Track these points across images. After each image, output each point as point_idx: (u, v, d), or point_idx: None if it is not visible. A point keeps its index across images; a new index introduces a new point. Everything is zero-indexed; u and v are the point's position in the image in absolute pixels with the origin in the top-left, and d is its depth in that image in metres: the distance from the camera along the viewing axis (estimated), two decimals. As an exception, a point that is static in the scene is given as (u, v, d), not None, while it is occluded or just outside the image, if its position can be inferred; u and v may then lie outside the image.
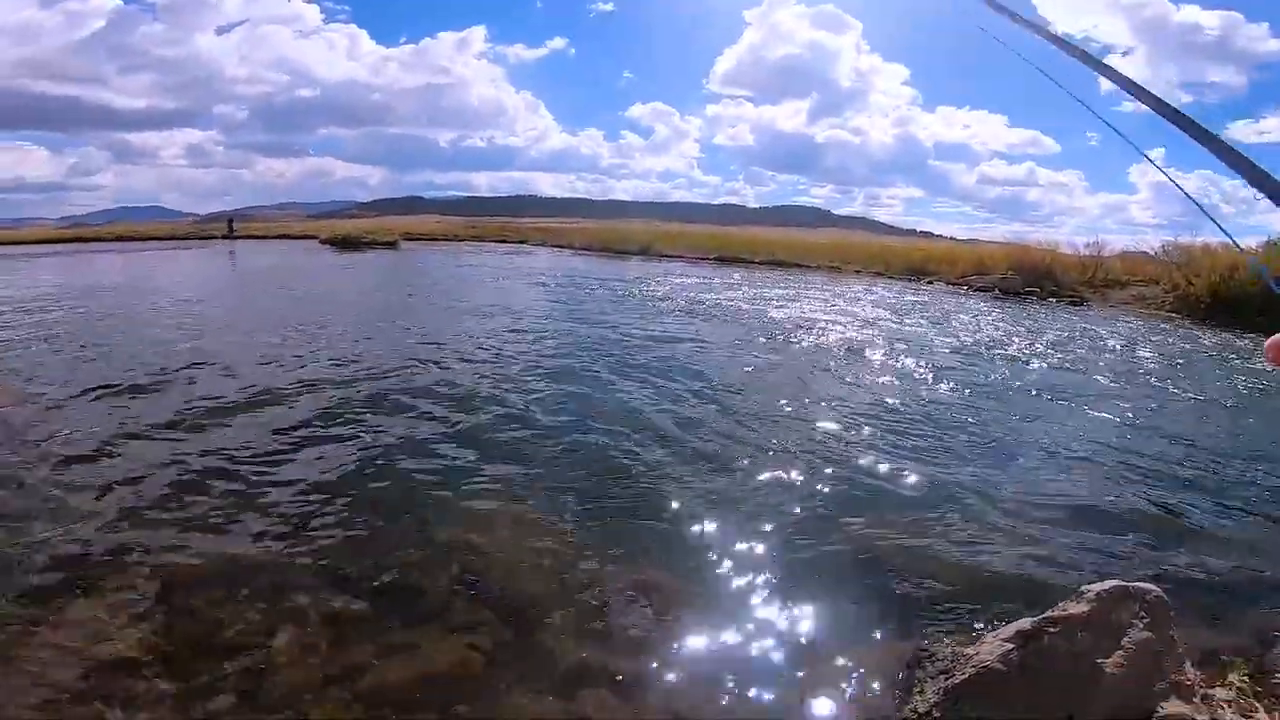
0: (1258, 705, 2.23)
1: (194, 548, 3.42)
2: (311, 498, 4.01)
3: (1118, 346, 10.76)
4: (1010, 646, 2.10)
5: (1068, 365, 8.88)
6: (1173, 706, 2.01)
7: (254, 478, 4.27)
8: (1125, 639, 2.09)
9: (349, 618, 2.88)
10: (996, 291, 17.97)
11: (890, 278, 21.81)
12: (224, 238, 30.58)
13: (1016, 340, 10.67)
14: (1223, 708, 2.18)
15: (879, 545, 3.66)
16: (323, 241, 27.33)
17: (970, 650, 2.23)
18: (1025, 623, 2.16)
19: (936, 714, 2.13)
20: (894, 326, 11.54)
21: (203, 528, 3.63)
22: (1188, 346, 11.14)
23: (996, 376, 7.90)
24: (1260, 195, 0.68)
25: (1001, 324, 12.52)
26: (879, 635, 2.86)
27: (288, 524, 3.69)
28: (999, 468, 4.95)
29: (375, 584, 3.15)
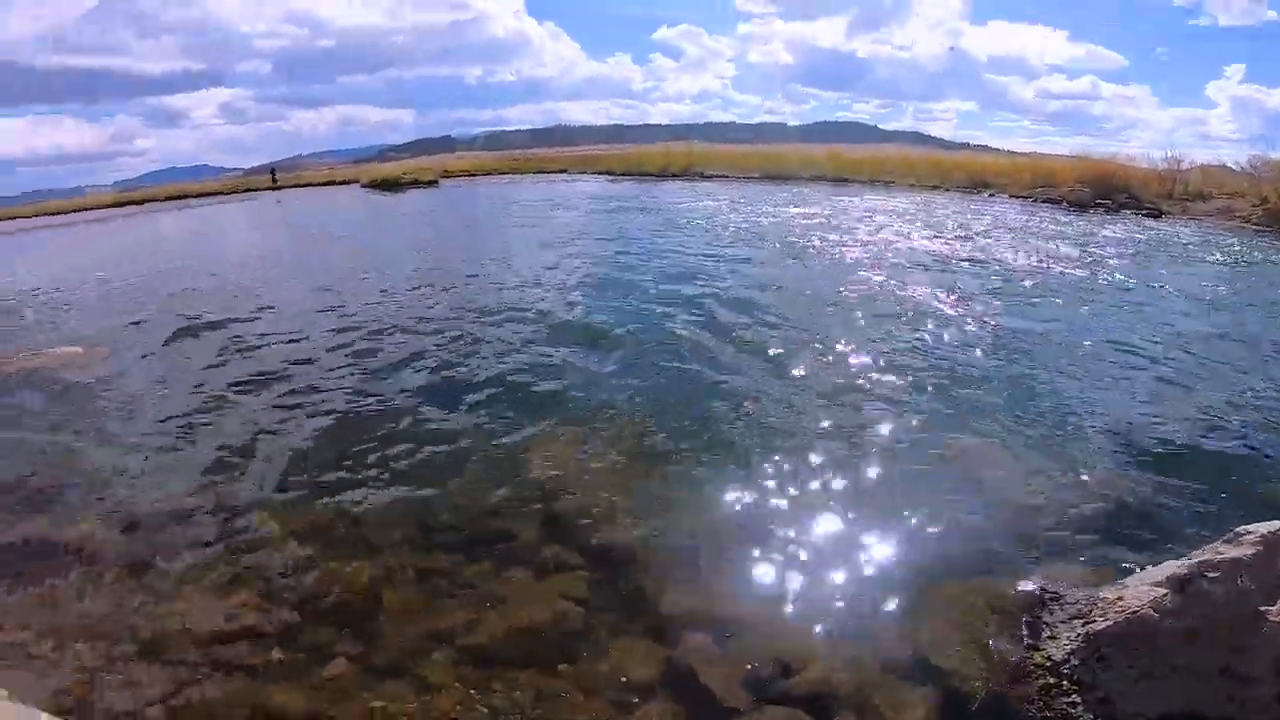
0: None
1: (285, 508, 3.45)
2: (393, 447, 4.00)
3: (1210, 259, 10.04)
4: (1162, 591, 2.00)
5: (1163, 280, 8.30)
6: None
7: (331, 429, 4.34)
8: (1290, 585, 1.95)
9: (443, 572, 2.88)
10: (1065, 204, 16.87)
11: (948, 191, 20.66)
12: (269, 189, 30.87)
13: (1099, 253, 10.01)
14: None
15: (979, 472, 3.54)
16: (364, 185, 27.34)
17: (1111, 594, 2.14)
18: (1177, 566, 2.06)
19: (1075, 661, 2.07)
20: (961, 241, 10.94)
21: (291, 485, 3.68)
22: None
23: (1084, 292, 7.45)
24: None
25: (1078, 237, 11.75)
26: (989, 572, 2.76)
27: (372, 477, 3.71)
28: (1096, 386, 4.74)
29: (464, 534, 3.15)
